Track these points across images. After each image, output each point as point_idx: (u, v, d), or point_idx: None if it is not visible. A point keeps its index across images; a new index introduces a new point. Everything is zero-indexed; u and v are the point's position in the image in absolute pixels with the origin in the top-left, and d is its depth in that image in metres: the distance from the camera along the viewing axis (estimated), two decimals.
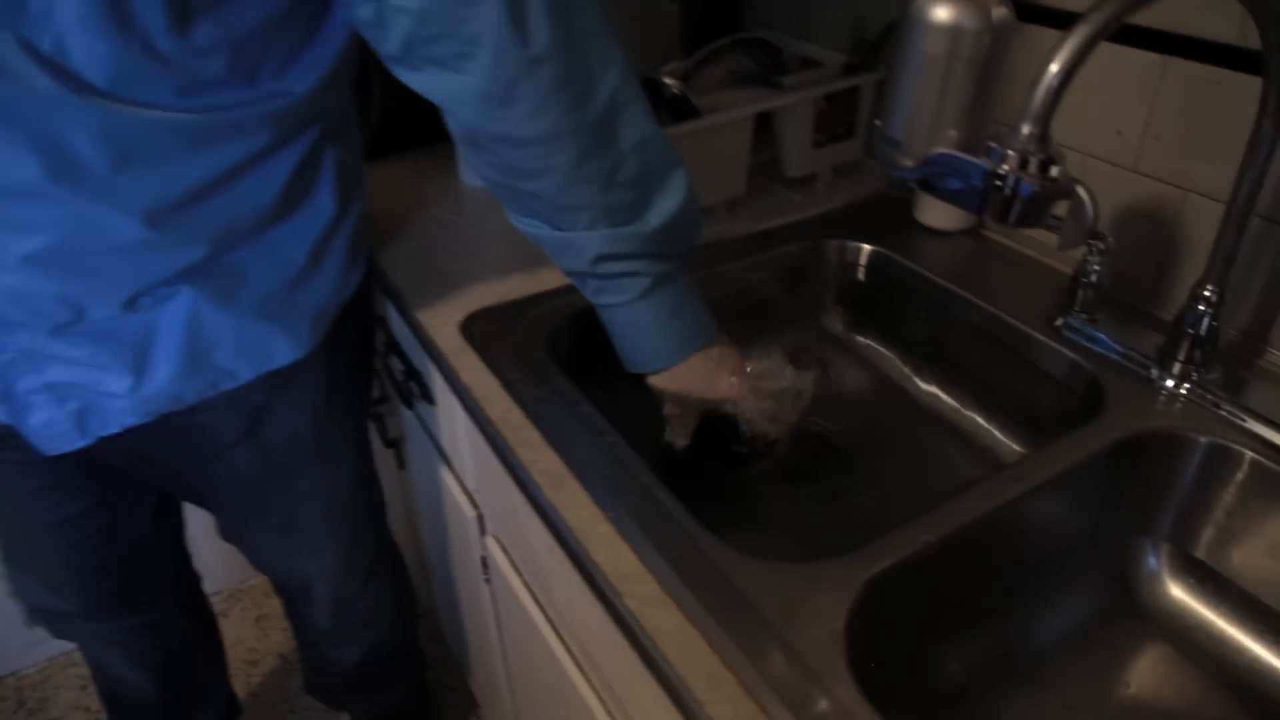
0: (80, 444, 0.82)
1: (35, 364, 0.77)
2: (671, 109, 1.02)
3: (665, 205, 0.75)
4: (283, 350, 0.86)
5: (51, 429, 0.80)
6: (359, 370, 1.03)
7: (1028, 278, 0.98)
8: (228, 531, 1.09)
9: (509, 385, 0.81)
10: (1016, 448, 0.92)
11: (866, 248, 1.04)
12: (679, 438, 0.86)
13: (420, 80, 0.68)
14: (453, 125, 0.72)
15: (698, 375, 0.83)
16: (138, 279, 0.75)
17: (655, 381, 0.84)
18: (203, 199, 0.73)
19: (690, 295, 0.81)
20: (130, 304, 0.76)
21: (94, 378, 0.78)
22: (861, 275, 1.06)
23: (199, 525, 1.83)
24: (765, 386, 0.84)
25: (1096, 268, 0.85)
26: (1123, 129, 0.91)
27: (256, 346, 0.84)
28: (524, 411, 0.78)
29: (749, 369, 0.84)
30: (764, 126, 1.12)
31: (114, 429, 0.82)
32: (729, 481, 0.89)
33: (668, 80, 1.04)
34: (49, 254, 0.70)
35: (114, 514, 1.03)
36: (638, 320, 0.80)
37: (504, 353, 0.86)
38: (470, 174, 1.22)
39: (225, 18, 0.67)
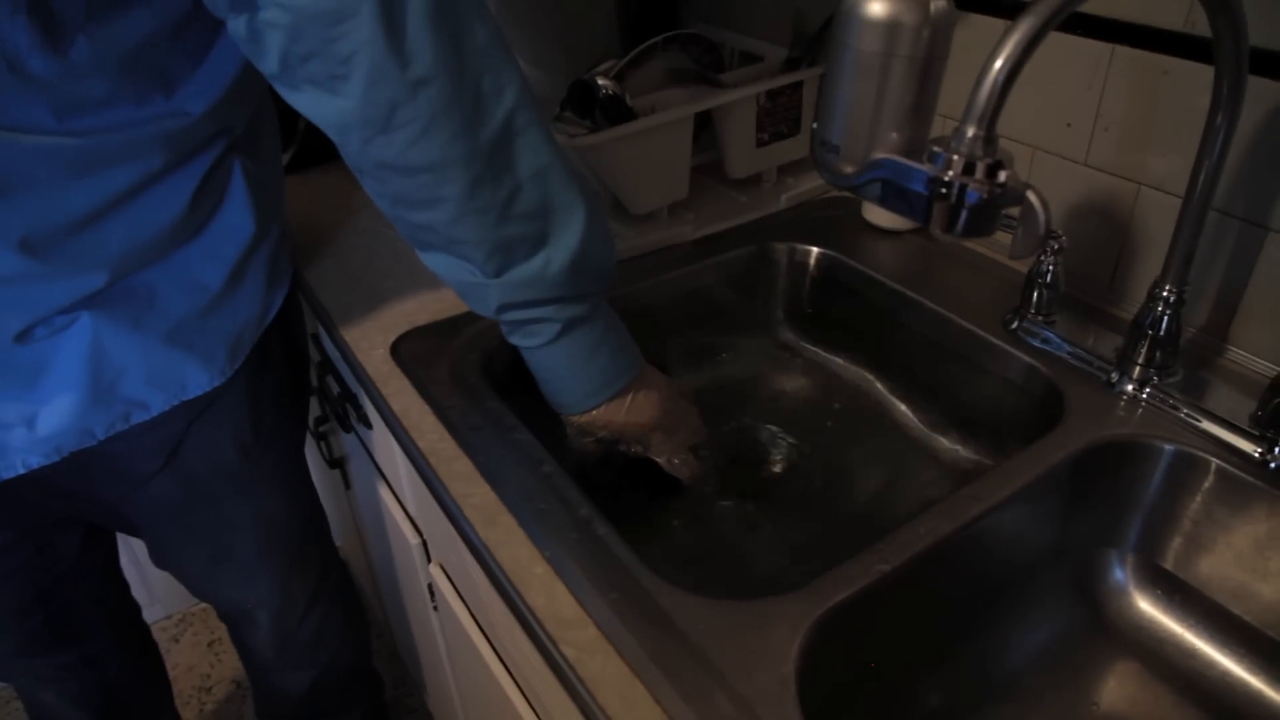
0: None
1: None
2: (606, 111, 0.98)
3: (567, 242, 0.69)
4: (198, 379, 0.81)
5: None
6: (287, 392, 0.97)
7: (981, 278, 0.95)
8: (160, 560, 1.03)
9: (441, 411, 0.77)
10: (975, 455, 0.89)
11: (815, 251, 1.01)
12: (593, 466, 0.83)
13: (301, 101, 0.63)
14: (340, 151, 0.66)
15: (616, 416, 0.79)
16: (27, 310, 0.69)
17: (569, 419, 0.80)
18: (91, 225, 0.68)
19: (607, 336, 0.76)
20: (23, 336, 0.70)
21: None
22: (811, 279, 1.02)
23: (144, 548, 1.78)
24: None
25: (1051, 267, 0.82)
26: (1072, 121, 0.88)
27: (169, 375, 0.79)
28: (456, 440, 0.74)
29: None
30: (705, 126, 1.09)
31: (19, 469, 0.77)
32: (671, 505, 0.85)
33: (601, 81, 0.99)
34: None
35: (36, 547, 0.97)
36: (552, 364, 0.75)
37: (436, 376, 0.81)
38: None
39: (104, 35, 0.62)
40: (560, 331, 0.73)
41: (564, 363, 0.75)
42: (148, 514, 0.93)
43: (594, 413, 0.77)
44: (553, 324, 0.72)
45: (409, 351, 0.85)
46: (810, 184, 1.14)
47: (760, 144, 1.09)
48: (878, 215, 1.04)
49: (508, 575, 0.62)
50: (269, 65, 0.61)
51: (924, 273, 0.96)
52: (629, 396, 0.78)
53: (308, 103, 0.63)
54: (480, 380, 0.80)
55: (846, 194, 1.11)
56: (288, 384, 0.97)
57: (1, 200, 0.63)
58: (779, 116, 1.10)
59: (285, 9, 0.57)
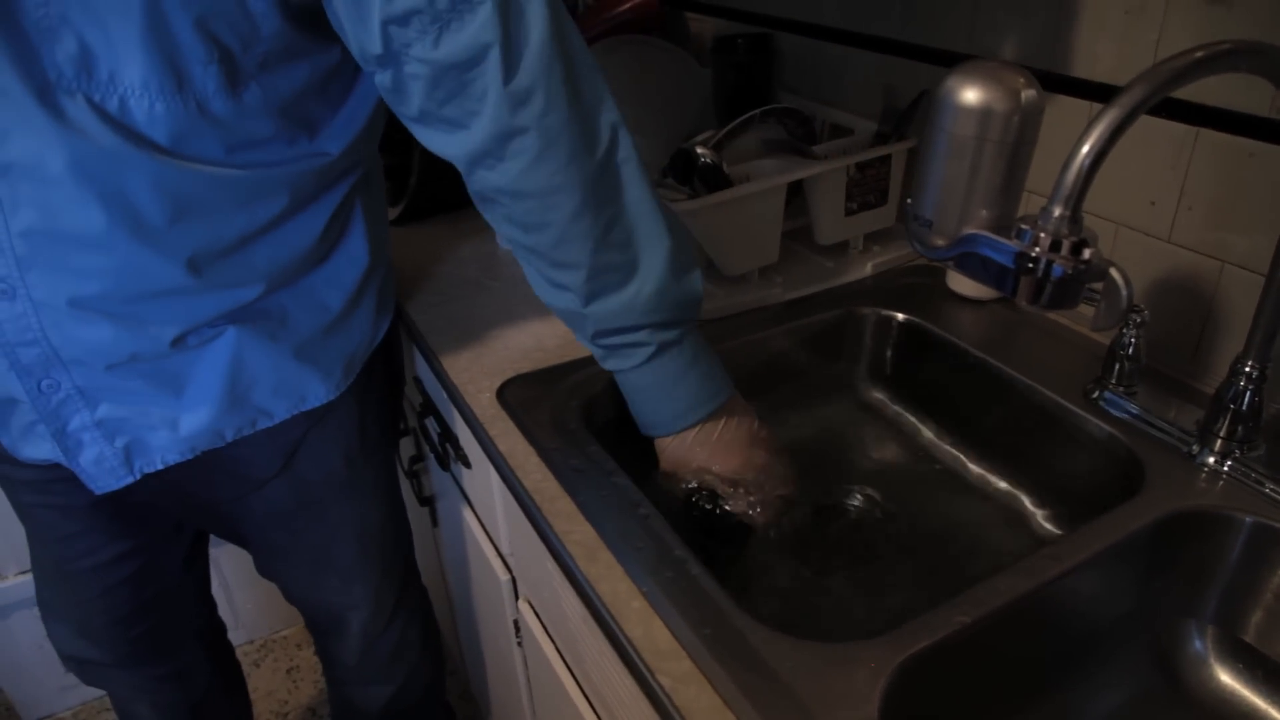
0: (127, 480, 0.85)
1: (88, 402, 0.81)
2: (705, 179, 1.03)
3: (655, 270, 0.77)
4: (317, 392, 0.91)
5: (101, 466, 0.84)
6: (387, 408, 1.06)
7: (1062, 347, 0.97)
8: (264, 567, 1.11)
9: (544, 454, 0.82)
10: (1052, 523, 0.91)
11: (900, 317, 1.05)
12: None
13: (433, 138, 0.73)
14: (466, 180, 0.76)
15: (707, 440, 0.84)
16: (184, 320, 0.79)
17: (661, 444, 0.85)
18: (244, 247, 0.79)
19: (697, 360, 0.82)
20: (178, 342, 0.80)
21: (143, 414, 0.83)
22: (895, 344, 1.06)
23: (235, 573, 1.86)
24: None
25: (1133, 340, 0.85)
26: (1156, 199, 0.91)
27: (293, 387, 0.89)
28: (559, 481, 0.79)
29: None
30: (796, 194, 1.14)
31: (158, 465, 0.86)
32: (759, 553, 0.89)
33: (700, 150, 1.05)
34: (98, 299, 0.75)
35: (147, 558, 1.05)
36: (644, 385, 0.82)
37: (539, 420, 0.86)
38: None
39: (271, 83, 0.73)
40: (652, 355, 0.80)
41: (656, 383, 0.81)
42: (260, 519, 1.01)
43: (687, 435, 0.82)
44: (645, 348, 0.79)
45: (514, 396, 0.90)
46: (896, 252, 1.18)
47: (849, 213, 1.14)
48: (961, 284, 1.08)
49: (608, 608, 0.66)
50: (409, 110, 0.72)
51: (1006, 340, 0.99)
52: (720, 422, 0.84)
53: (439, 139, 0.73)
54: (581, 426, 0.85)
55: (931, 262, 1.15)
56: (387, 404, 1.06)
57: (178, 222, 0.74)
58: (867, 187, 1.14)
59: (426, 63, 0.67)
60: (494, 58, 0.66)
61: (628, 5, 1.56)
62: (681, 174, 1.04)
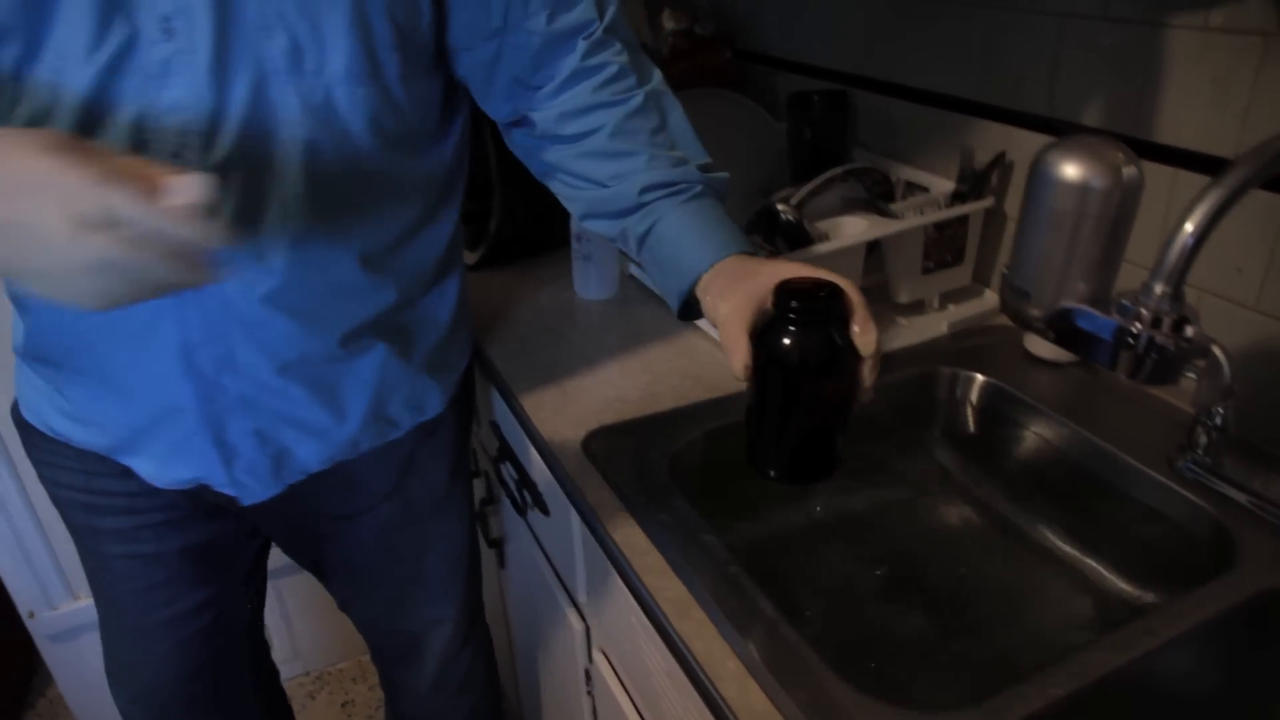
0: (274, 492, 0.91)
1: (248, 409, 0.84)
2: (786, 236, 1.05)
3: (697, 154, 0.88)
4: (433, 402, 0.98)
5: (254, 475, 0.89)
6: (468, 429, 1.12)
7: (1144, 413, 0.97)
8: (347, 591, 1.14)
9: (631, 507, 0.83)
10: (1136, 592, 0.90)
11: (979, 379, 1.05)
12: (741, 370, 0.70)
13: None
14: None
15: (746, 270, 0.76)
16: (349, 320, 0.85)
17: (704, 296, 0.78)
18: (397, 248, 0.86)
19: (728, 218, 0.85)
20: (345, 343, 0.86)
21: (296, 423, 0.88)
22: (972, 406, 1.06)
23: (299, 603, 1.88)
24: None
25: (1221, 410, 0.85)
26: (1242, 267, 0.91)
27: (417, 398, 0.96)
28: (647, 535, 0.80)
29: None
30: (873, 250, 1.15)
31: (299, 476, 0.91)
32: (840, 615, 0.89)
33: (782, 208, 1.07)
34: (283, 292, 0.79)
35: (221, 607, 1.07)
36: (684, 226, 0.82)
37: (625, 473, 0.88)
38: (584, 287, 1.26)
39: (425, 78, 0.83)
40: (696, 194, 0.83)
41: (694, 223, 0.82)
42: (364, 538, 1.05)
43: (722, 268, 0.78)
44: (688, 189, 0.84)
45: (599, 448, 0.92)
46: (972, 310, 1.19)
47: (926, 271, 1.15)
48: (1039, 346, 1.08)
49: (702, 667, 0.67)
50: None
51: (1086, 404, 0.99)
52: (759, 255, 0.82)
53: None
54: (666, 480, 0.87)
55: (1007, 322, 1.15)
56: (468, 422, 1.11)
57: (359, 214, 0.80)
58: (945, 246, 1.15)
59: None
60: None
61: (704, 60, 1.60)
62: (765, 230, 1.06)
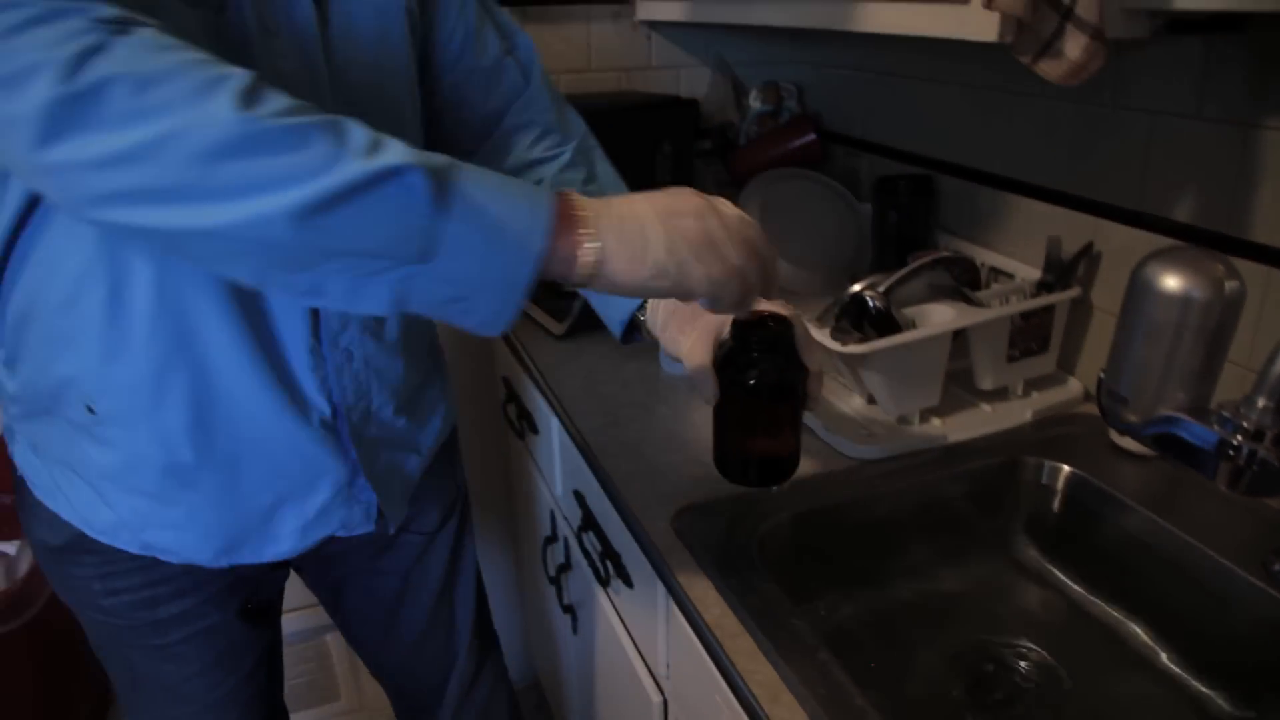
0: (405, 512, 1.02)
1: (383, 448, 0.95)
2: (875, 323, 1.07)
3: None
4: (455, 417, 1.12)
5: (391, 503, 0.98)
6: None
7: (1235, 511, 0.96)
8: (375, 633, 1.19)
9: (721, 589, 0.85)
10: (1232, 705, 0.88)
11: (1064, 469, 1.05)
12: (712, 399, 0.81)
13: None
14: None
15: (693, 308, 0.84)
16: (422, 344, 1.00)
17: (658, 332, 0.87)
18: None
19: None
20: (422, 367, 0.99)
21: (411, 444, 1.00)
22: (1057, 498, 1.06)
23: None
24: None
25: None
26: None
27: (451, 413, 1.09)
28: (737, 617, 0.82)
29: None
30: (958, 335, 1.16)
31: (412, 490, 1.03)
32: (931, 711, 0.89)
33: (870, 295, 1.09)
34: (403, 334, 0.91)
35: (272, 660, 1.11)
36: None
37: (714, 553, 0.90)
38: (669, 362, 1.29)
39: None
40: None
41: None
42: (398, 569, 1.12)
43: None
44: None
45: (689, 526, 0.94)
46: (1056, 398, 1.19)
47: (1011, 359, 1.16)
48: (1126, 438, 1.08)
49: None
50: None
51: (1175, 500, 0.98)
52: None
53: None
54: (756, 561, 0.88)
55: (1092, 411, 1.16)
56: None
57: None
58: (1030, 335, 1.16)
59: None
60: None
61: (792, 142, 1.64)
62: (854, 317, 1.08)
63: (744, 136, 1.73)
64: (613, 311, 0.92)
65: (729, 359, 0.80)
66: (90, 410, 0.81)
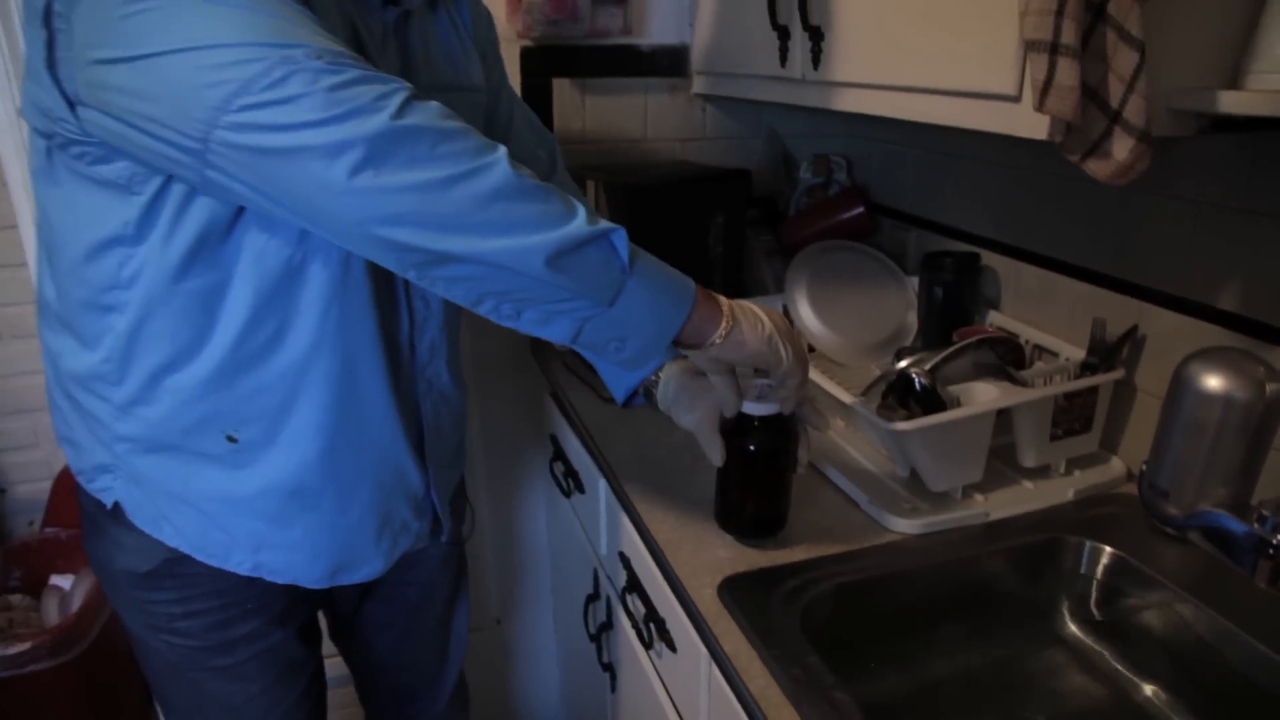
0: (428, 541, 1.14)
1: (448, 465, 1.12)
2: (920, 400, 1.10)
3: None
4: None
5: (433, 526, 1.11)
6: None
7: (1278, 598, 0.97)
8: (386, 640, 1.29)
9: (765, 659, 0.88)
10: None
11: (1105, 550, 1.07)
12: (715, 451, 1.00)
13: None
14: None
15: (702, 383, 1.00)
16: (460, 368, 1.14)
17: (668, 405, 1.03)
18: None
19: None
20: (465, 409, 1.17)
21: (454, 473, 1.16)
22: (1098, 578, 1.07)
23: None
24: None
25: None
26: None
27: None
28: (781, 689, 0.84)
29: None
30: (1003, 413, 1.18)
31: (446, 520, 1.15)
32: None
33: (916, 373, 1.12)
34: (461, 364, 1.11)
35: (319, 686, 1.19)
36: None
37: (760, 623, 0.92)
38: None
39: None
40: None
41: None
42: (421, 579, 1.24)
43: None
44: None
45: (735, 595, 0.97)
46: (1099, 478, 1.20)
47: (1054, 438, 1.18)
48: None
49: None
50: None
51: (1219, 585, 0.98)
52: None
53: None
54: (800, 633, 0.91)
55: (1133, 492, 1.17)
56: None
57: None
58: (1074, 415, 1.18)
59: None
60: None
61: (841, 214, 1.68)
62: (900, 394, 1.11)
63: (794, 207, 1.77)
64: (619, 379, 1.09)
65: (734, 428, 0.99)
66: (231, 439, 0.92)
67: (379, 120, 0.69)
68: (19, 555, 2.26)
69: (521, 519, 1.91)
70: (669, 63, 1.68)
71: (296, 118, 0.68)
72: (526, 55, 1.60)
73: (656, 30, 1.66)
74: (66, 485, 2.34)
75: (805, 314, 1.47)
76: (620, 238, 0.78)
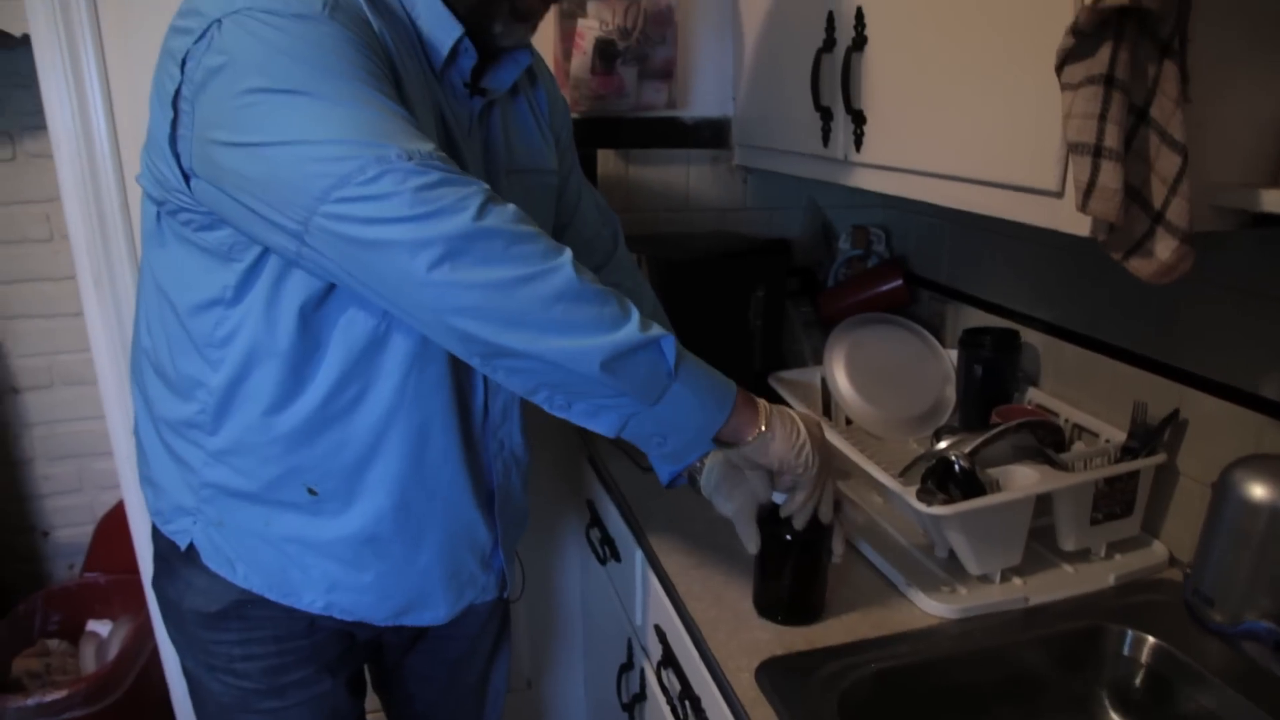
0: (493, 596, 1.16)
1: (516, 522, 1.16)
2: (961, 484, 1.10)
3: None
4: None
5: (497, 581, 1.15)
6: None
7: None
8: (428, 693, 1.30)
9: None
10: None
11: (1148, 640, 1.05)
12: (750, 540, 1.03)
13: None
14: None
15: (740, 475, 1.02)
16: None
17: (709, 493, 1.04)
18: None
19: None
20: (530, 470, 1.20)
21: (519, 531, 1.19)
22: (1140, 668, 1.06)
23: None
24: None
25: None
26: None
27: None
28: None
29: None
30: (1042, 496, 1.18)
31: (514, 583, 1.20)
32: None
33: (955, 456, 1.12)
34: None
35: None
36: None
37: (797, 709, 0.92)
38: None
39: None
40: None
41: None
42: (467, 633, 1.26)
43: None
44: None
45: (772, 679, 0.97)
46: (1140, 563, 1.19)
47: (1094, 522, 1.17)
48: None
49: None
50: None
51: (1260, 678, 0.96)
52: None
53: None
54: (836, 718, 0.91)
55: (1177, 577, 1.15)
56: None
57: None
58: (1114, 499, 1.18)
59: None
60: None
61: (879, 287, 1.69)
62: (939, 478, 1.11)
63: (833, 278, 1.79)
64: (662, 465, 1.10)
65: (769, 516, 1.02)
66: (311, 491, 0.98)
67: (460, 221, 0.75)
68: (59, 600, 2.30)
69: (556, 582, 1.91)
70: (711, 135, 1.72)
71: (386, 213, 0.74)
72: (574, 127, 1.64)
73: (699, 103, 1.70)
74: (108, 529, 2.38)
75: (843, 387, 1.48)
76: (669, 344, 0.83)
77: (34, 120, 2.15)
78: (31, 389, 2.40)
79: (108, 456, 1.85)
